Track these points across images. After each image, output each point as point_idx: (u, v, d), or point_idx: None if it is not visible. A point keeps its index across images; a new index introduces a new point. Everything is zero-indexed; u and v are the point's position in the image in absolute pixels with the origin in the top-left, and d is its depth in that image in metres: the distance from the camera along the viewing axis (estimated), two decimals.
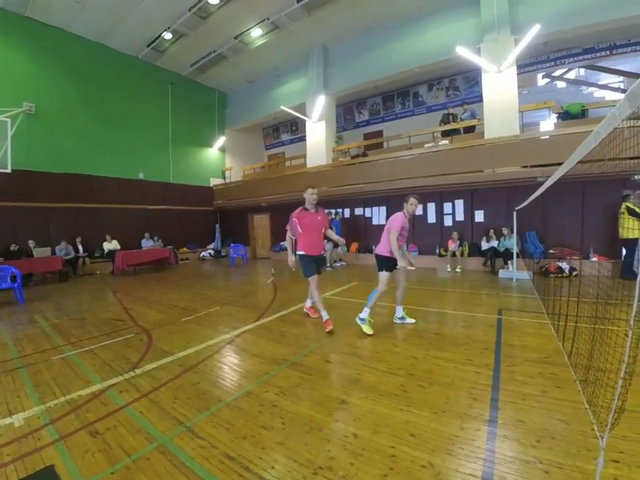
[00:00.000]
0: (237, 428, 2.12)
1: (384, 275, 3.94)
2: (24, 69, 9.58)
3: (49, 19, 9.80)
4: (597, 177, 6.74)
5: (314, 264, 4.19)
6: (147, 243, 11.23)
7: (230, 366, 3.14)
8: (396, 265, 3.89)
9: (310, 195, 4.12)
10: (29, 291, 7.24)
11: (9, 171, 7.80)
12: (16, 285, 6.30)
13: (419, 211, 9.42)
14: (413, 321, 4.22)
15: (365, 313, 3.92)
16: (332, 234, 4.68)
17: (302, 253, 4.17)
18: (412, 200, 3.96)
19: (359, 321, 3.93)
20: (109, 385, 2.77)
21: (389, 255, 3.91)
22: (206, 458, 1.85)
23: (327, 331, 3.95)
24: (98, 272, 10.10)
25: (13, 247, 8.46)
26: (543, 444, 1.86)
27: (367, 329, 3.85)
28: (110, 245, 10.60)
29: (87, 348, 3.68)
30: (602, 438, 1.59)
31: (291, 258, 4.25)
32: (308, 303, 4.79)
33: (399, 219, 3.93)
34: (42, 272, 8.74)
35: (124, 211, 11.55)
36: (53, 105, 10.12)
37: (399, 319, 4.26)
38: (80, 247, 9.96)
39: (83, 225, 10.44)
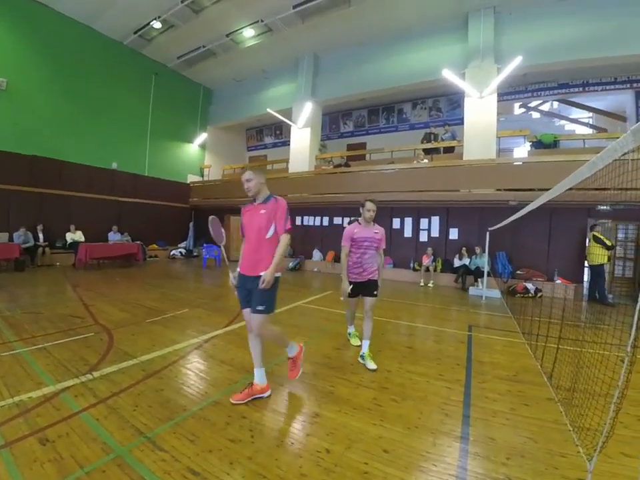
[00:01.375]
0: (203, 440, 1.99)
1: (347, 299, 3.48)
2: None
3: None
4: (564, 204, 7.17)
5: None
6: (114, 237, 10.67)
7: (197, 373, 2.98)
8: (362, 289, 3.41)
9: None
10: None
11: None
12: None
13: (396, 224, 9.59)
14: (373, 366, 3.19)
15: (349, 329, 4.02)
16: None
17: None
18: (368, 205, 3.32)
19: (348, 336, 4.01)
20: (63, 387, 2.55)
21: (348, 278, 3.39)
22: (168, 472, 1.71)
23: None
24: (58, 263, 9.45)
25: None
26: (513, 461, 1.89)
27: (353, 341, 3.89)
28: (74, 235, 9.98)
29: (40, 345, 3.39)
30: (590, 461, 1.62)
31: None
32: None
33: (346, 231, 3.39)
34: None
35: (92, 201, 10.93)
36: (27, 82, 9.52)
37: (360, 357, 3.36)
38: (41, 235, 9.30)
39: (47, 212, 9.78)
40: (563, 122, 12.43)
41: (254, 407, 2.40)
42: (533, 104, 12.25)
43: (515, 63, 8.09)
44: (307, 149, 11.95)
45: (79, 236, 10.04)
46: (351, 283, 3.36)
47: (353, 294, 3.40)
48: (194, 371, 3.02)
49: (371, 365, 3.20)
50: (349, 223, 4.02)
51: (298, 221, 11.91)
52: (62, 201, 10.21)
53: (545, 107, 12.48)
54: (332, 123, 14.33)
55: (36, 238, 9.16)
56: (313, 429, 2.17)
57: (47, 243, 9.35)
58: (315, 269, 11.03)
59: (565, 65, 8.50)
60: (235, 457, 1.86)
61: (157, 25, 10.70)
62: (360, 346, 3.49)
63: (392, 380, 2.95)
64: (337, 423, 2.24)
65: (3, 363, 2.94)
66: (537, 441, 2.10)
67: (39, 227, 9.32)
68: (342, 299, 3.08)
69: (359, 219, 3.45)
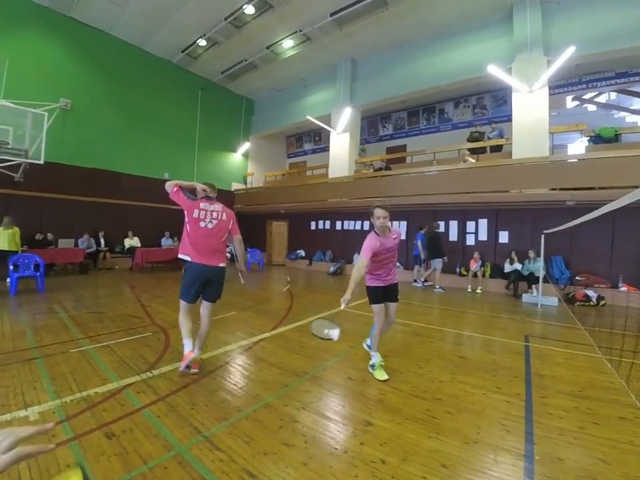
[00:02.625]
0: (257, 442, 2.02)
1: (375, 308, 3.16)
2: (63, 66, 9.99)
3: (90, 19, 10.26)
4: (629, 204, 6.49)
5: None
6: (166, 242, 11.36)
7: (248, 375, 3.05)
8: (388, 294, 3.21)
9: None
10: (49, 280, 7.37)
11: (41, 162, 8.06)
12: (38, 273, 6.42)
13: (441, 227, 9.25)
14: (385, 377, 3.00)
15: (374, 358, 3.16)
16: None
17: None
18: (376, 211, 2.93)
19: (370, 369, 3.17)
20: (126, 384, 2.72)
21: (372, 284, 3.20)
22: (226, 473, 1.75)
23: None
24: (117, 267, 10.26)
25: (38, 236, 8.69)
26: None
27: (379, 375, 3.03)
28: (131, 241, 10.77)
29: (104, 343, 3.67)
30: None
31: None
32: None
33: (368, 242, 2.99)
34: (64, 263, 8.93)
35: (147, 209, 11.77)
36: (87, 102, 10.49)
37: (370, 366, 3.19)
38: (102, 241, 10.16)
39: (107, 219, 10.68)
40: (623, 114, 11.31)
41: (305, 411, 2.40)
42: (587, 96, 11.29)
43: (567, 54, 7.49)
44: (346, 153, 11.95)
45: (135, 241, 10.82)
46: (377, 288, 3.18)
47: (380, 300, 3.16)
48: (245, 372, 3.09)
49: (384, 376, 2.99)
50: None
51: (338, 225, 11.91)
52: (120, 209, 11.10)
53: (602, 99, 11.45)
54: (371, 126, 14.22)
55: (98, 243, 10.03)
56: (365, 437, 2.12)
57: (107, 248, 10.19)
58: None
59: (622, 53, 7.70)
60: (289, 462, 1.86)
61: (202, 42, 11.33)
62: (387, 380, 2.98)
63: (444, 391, 2.81)
64: (390, 433, 2.17)
65: (72, 359, 3.19)
66: (610, 463, 1.89)
67: (101, 233, 10.18)
68: (342, 307, 2.77)
69: (375, 229, 3.05)
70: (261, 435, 2.10)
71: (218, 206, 3.28)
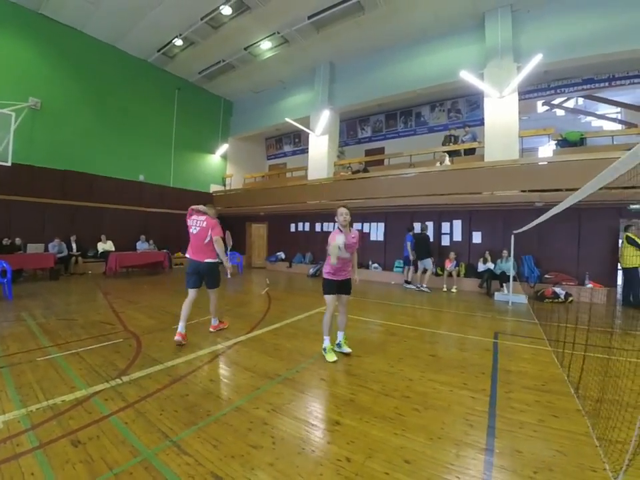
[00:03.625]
0: (226, 445, 2.04)
1: (327, 299, 3.61)
2: (32, 65, 9.61)
3: (61, 17, 9.90)
4: (593, 204, 6.85)
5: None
6: (141, 246, 11.09)
7: (220, 379, 3.05)
8: (341, 288, 3.67)
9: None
10: (18, 287, 7.06)
11: (8, 164, 7.74)
12: (5, 280, 6.15)
13: (417, 229, 9.46)
14: (349, 350, 3.72)
15: (325, 342, 3.61)
16: None
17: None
18: (341, 210, 3.57)
19: (323, 352, 3.60)
20: (94, 391, 2.67)
21: (328, 277, 3.63)
22: (192, 476, 1.76)
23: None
24: (90, 272, 9.94)
25: (5, 241, 8.31)
26: (541, 475, 1.82)
27: (329, 357, 3.50)
28: (105, 245, 10.46)
29: (73, 351, 3.57)
30: (616, 479, 1.54)
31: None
32: None
33: (333, 235, 3.51)
34: (33, 268, 8.59)
35: (121, 212, 11.44)
36: (58, 101, 10.13)
37: (336, 345, 3.78)
38: (74, 245, 9.82)
39: (79, 223, 10.32)
40: (589, 118, 11.89)
41: (275, 413, 2.43)
42: (556, 101, 11.81)
43: (535, 61, 7.85)
44: (325, 156, 12.03)
45: (109, 245, 10.52)
46: (331, 281, 3.64)
47: (333, 292, 3.63)
48: (217, 376, 3.09)
49: (347, 349, 3.70)
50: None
51: (318, 227, 11.97)
52: (93, 212, 10.74)
53: (570, 104, 11.99)
54: (349, 129, 14.37)
55: (69, 248, 9.68)
56: (333, 437, 2.17)
57: (79, 253, 9.85)
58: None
59: (588, 60, 8.14)
60: (256, 463, 1.88)
61: (178, 42, 11.15)
62: (335, 361, 3.49)
63: (414, 389, 2.90)
64: (358, 431, 2.23)
65: (39, 368, 3.10)
66: (567, 454, 2.00)
67: (73, 238, 9.84)
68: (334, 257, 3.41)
69: (338, 225, 3.62)
70: (229, 438, 2.11)
71: (202, 217, 4.28)
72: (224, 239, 4.35)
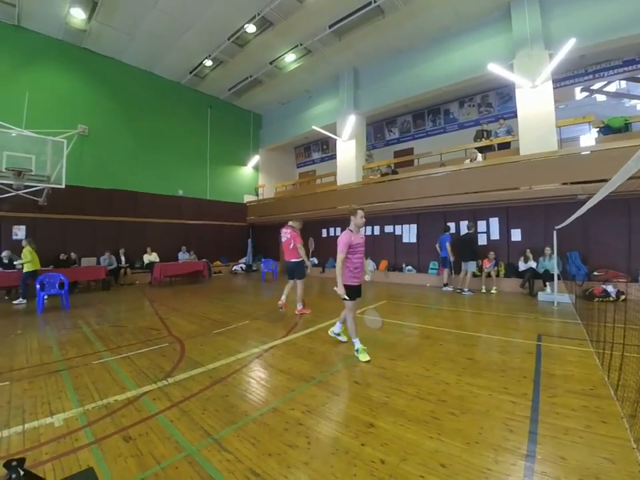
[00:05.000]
0: (263, 444, 2.13)
1: (349, 304, 3.77)
2: (78, 94, 10.62)
3: (101, 48, 10.89)
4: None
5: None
6: (183, 256, 11.73)
7: (257, 381, 3.17)
8: (359, 291, 3.88)
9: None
10: (74, 297, 7.76)
11: (63, 186, 8.54)
12: (63, 291, 6.78)
13: (452, 228, 9.21)
14: (345, 339, 4.23)
15: (357, 344, 3.73)
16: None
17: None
18: (360, 212, 3.78)
19: (355, 353, 3.72)
20: (143, 392, 2.89)
21: (350, 282, 3.73)
22: (232, 472, 1.87)
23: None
24: (137, 282, 10.67)
25: (62, 256, 9.16)
26: None
27: (362, 357, 3.63)
28: (150, 256, 11.19)
29: (124, 355, 3.87)
30: None
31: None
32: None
33: (343, 238, 3.66)
34: (87, 280, 9.37)
35: (163, 225, 12.24)
36: (102, 126, 11.07)
37: (334, 333, 4.36)
38: (122, 258, 10.61)
39: (126, 237, 11.16)
40: (634, 102, 10.96)
41: (310, 414, 2.49)
42: (596, 86, 11.02)
43: (568, 47, 7.38)
44: (353, 160, 12.08)
45: (154, 257, 11.24)
46: (353, 286, 3.75)
47: (355, 297, 3.78)
48: (255, 379, 3.21)
49: (366, 358, 3.64)
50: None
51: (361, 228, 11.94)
52: (138, 226, 11.57)
53: (612, 88, 11.14)
54: (377, 132, 14.32)
55: (119, 260, 10.47)
56: (367, 438, 2.19)
57: (128, 264, 10.63)
58: (368, 278, 10.94)
59: (627, 40, 7.50)
60: (292, 462, 1.95)
61: (208, 62, 11.79)
62: (369, 361, 3.60)
63: (450, 393, 2.84)
64: (392, 434, 2.23)
65: (94, 370, 3.40)
66: (615, 462, 1.88)
67: (121, 251, 10.64)
68: (344, 297, 3.70)
69: (350, 227, 3.80)
70: (266, 437, 2.21)
71: (288, 230, 5.92)
72: (305, 245, 5.92)
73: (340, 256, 3.64)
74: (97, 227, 10.60)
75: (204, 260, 11.79)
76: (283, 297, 5.90)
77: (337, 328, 4.35)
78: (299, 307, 5.99)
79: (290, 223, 5.98)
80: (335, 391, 2.89)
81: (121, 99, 11.61)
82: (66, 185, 8.68)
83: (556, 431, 2.22)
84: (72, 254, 9.45)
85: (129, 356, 3.83)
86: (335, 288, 3.73)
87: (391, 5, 9.00)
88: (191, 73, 12.51)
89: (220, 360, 3.66)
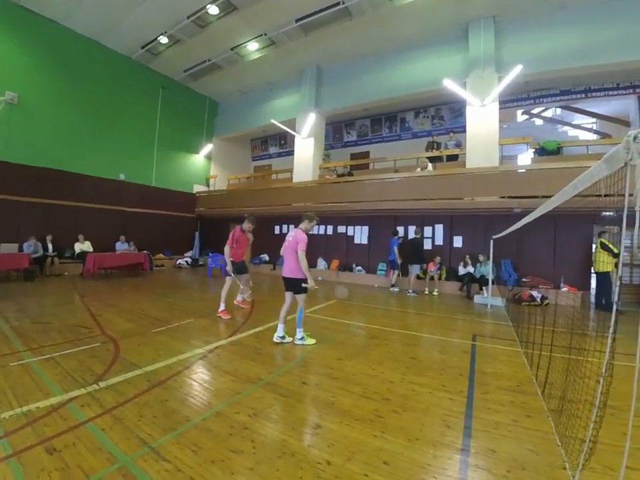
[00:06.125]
0: (206, 451, 2.02)
1: (304, 296, 4.14)
2: (11, 57, 9.29)
3: (43, 10, 9.61)
4: (567, 211, 7.13)
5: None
6: (121, 247, 10.82)
7: (201, 383, 3.02)
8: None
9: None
10: None
11: None
12: None
13: (400, 233, 9.62)
14: (291, 339, 4.24)
15: (299, 333, 4.13)
16: None
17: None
18: (315, 221, 4.29)
19: (299, 342, 4.11)
20: (70, 397, 2.60)
21: (302, 276, 4.01)
22: None
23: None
24: (66, 273, 9.61)
25: None
26: (513, 474, 1.89)
27: (309, 341, 4.14)
28: (82, 245, 10.15)
29: (48, 355, 3.46)
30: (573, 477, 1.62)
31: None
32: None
33: (304, 236, 4.05)
34: (6, 269, 8.23)
35: (100, 212, 11.14)
36: (37, 96, 9.81)
37: (279, 337, 4.20)
38: (50, 246, 9.48)
39: (56, 222, 9.98)
40: (566, 128, 12.40)
41: (256, 418, 2.43)
42: (535, 110, 12.27)
43: (515, 72, 8.16)
44: (310, 158, 12.07)
45: (87, 246, 10.21)
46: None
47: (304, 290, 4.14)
48: (198, 381, 3.06)
49: (314, 341, 4.20)
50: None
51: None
52: (70, 211, 10.42)
53: (548, 113, 12.47)
54: (335, 132, 14.48)
55: (45, 248, 9.34)
56: (314, 440, 2.19)
57: (55, 253, 9.52)
58: (320, 278, 11.04)
59: (566, 72, 8.53)
60: (236, 468, 1.88)
61: (163, 40, 11.00)
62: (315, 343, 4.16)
63: (394, 391, 2.96)
64: (338, 434, 2.26)
65: (12, 373, 2.99)
66: (539, 453, 2.09)
67: (49, 237, 9.50)
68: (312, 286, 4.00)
69: (302, 227, 4.17)
70: (209, 443, 2.10)
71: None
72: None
73: (304, 252, 3.92)
74: (22, 209, 9.35)
75: (145, 252, 10.95)
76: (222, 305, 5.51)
77: (280, 331, 4.20)
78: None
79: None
80: (283, 393, 2.85)
81: (62, 68, 10.35)
82: None
83: (487, 426, 2.41)
84: None
85: (53, 357, 3.42)
86: (304, 284, 3.99)
87: (358, 9, 9.14)
88: (143, 48, 11.55)
89: (159, 361, 3.43)
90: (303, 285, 4.01)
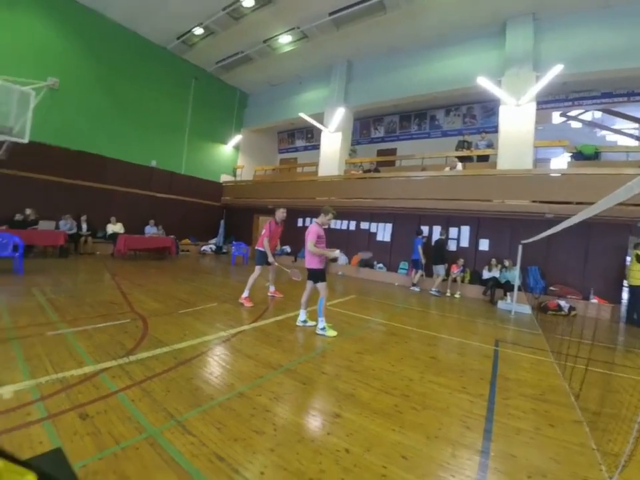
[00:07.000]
0: (229, 429, 2.09)
1: (324, 285, 4.32)
2: (52, 44, 9.76)
3: None
4: (603, 219, 6.80)
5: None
6: (150, 230, 11.21)
7: (224, 365, 3.11)
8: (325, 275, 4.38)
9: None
10: (28, 262, 7.14)
11: (26, 141, 7.81)
12: (17, 254, 6.27)
13: (424, 232, 9.47)
14: (313, 323, 4.44)
15: (321, 323, 4.25)
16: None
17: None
18: (332, 215, 4.41)
19: (320, 332, 4.22)
20: (102, 368, 2.74)
21: (321, 266, 4.32)
22: (195, 455, 1.82)
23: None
24: (98, 252, 10.08)
25: (18, 217, 8.46)
26: None
27: (330, 333, 4.22)
28: (114, 227, 10.61)
29: (82, 328, 3.65)
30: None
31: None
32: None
33: (316, 230, 4.29)
34: (44, 245, 8.72)
35: (132, 196, 11.61)
36: (76, 82, 10.26)
37: (301, 322, 4.52)
38: (84, 225, 9.96)
39: (90, 204, 10.47)
40: (604, 132, 11.76)
41: (276, 402, 2.48)
42: (573, 113, 11.69)
43: (554, 72, 7.80)
44: (336, 153, 12.05)
45: (119, 227, 10.67)
46: (323, 269, 4.36)
47: (325, 278, 4.41)
48: (221, 362, 3.15)
49: (312, 322, 4.46)
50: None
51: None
52: (104, 194, 10.90)
53: (587, 117, 11.86)
54: (363, 128, 14.36)
55: (79, 227, 9.82)
56: (333, 428, 2.22)
57: (89, 233, 10.00)
58: (340, 273, 11.07)
59: (608, 73, 8.08)
60: (257, 448, 1.94)
61: (198, 31, 11.22)
62: (336, 335, 4.24)
63: (413, 388, 2.94)
64: (357, 425, 2.28)
65: (48, 341, 3.18)
66: (560, 462, 2.04)
67: (83, 217, 9.98)
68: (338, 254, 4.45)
69: (317, 220, 4.40)
70: (232, 422, 2.17)
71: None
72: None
73: (312, 243, 4.24)
74: (60, 189, 9.87)
75: (172, 236, 11.33)
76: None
77: (302, 316, 4.52)
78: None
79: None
80: (303, 380, 2.90)
81: (100, 56, 10.79)
82: (30, 141, 7.96)
83: (508, 431, 2.37)
84: (31, 213, 8.70)
85: (86, 329, 3.61)
86: (331, 257, 4.42)
87: (393, 2, 8.98)
88: (178, 39, 11.85)
89: (185, 341, 3.55)
90: (331, 256, 4.32)
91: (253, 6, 9.73)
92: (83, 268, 7.82)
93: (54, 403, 2.17)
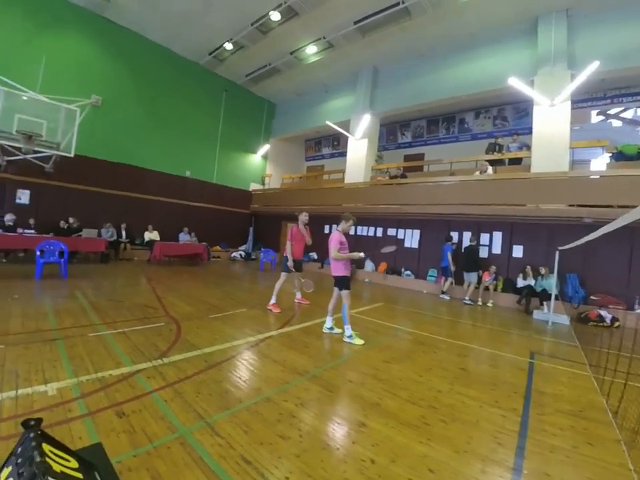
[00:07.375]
0: (255, 432, 2.14)
1: (348, 292, 4.34)
2: (95, 64, 10.56)
3: (122, 20, 10.80)
4: None
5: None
6: (184, 237, 11.72)
7: (252, 369, 3.19)
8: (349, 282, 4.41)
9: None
10: (72, 267, 7.69)
11: (72, 155, 8.49)
12: (62, 260, 6.77)
13: (455, 238, 9.22)
14: (340, 330, 4.47)
15: (348, 331, 4.25)
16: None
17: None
18: (352, 221, 4.54)
19: (347, 340, 4.22)
20: (138, 369, 2.90)
21: (346, 273, 4.36)
22: (223, 457, 1.88)
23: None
24: (136, 258, 10.67)
25: (63, 224, 9.13)
26: None
27: (357, 341, 4.20)
28: (151, 234, 11.19)
29: (120, 330, 3.88)
30: None
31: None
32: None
33: (338, 237, 4.37)
34: (86, 251, 9.34)
35: (167, 204, 12.23)
36: (115, 99, 11.01)
37: (328, 329, 4.56)
38: (123, 233, 10.59)
39: (129, 213, 11.15)
40: None
41: (302, 408, 2.51)
42: (612, 111, 10.99)
43: (590, 69, 7.39)
44: (363, 159, 12.04)
45: (155, 235, 11.24)
46: (348, 277, 4.41)
47: (350, 286, 4.42)
48: (249, 367, 3.23)
49: (338, 330, 4.51)
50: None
51: (351, 230, 11.98)
52: (142, 203, 11.56)
53: (628, 114, 11.10)
54: (389, 133, 14.27)
55: (119, 235, 10.45)
56: (358, 437, 2.21)
57: (128, 240, 10.62)
58: (367, 280, 10.98)
59: None
60: (283, 453, 1.97)
61: (228, 46, 11.70)
62: (364, 344, 4.20)
63: (441, 400, 2.87)
64: (383, 435, 2.25)
65: (90, 342, 3.40)
66: None
67: (123, 225, 10.62)
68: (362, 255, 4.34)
69: (339, 228, 4.50)
70: (259, 425, 2.22)
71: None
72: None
73: (335, 249, 4.31)
74: (101, 199, 10.58)
75: (204, 243, 11.78)
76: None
77: (328, 323, 4.57)
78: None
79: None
80: (329, 387, 2.91)
81: (137, 73, 11.54)
82: (75, 154, 8.63)
83: (543, 448, 2.25)
84: (75, 222, 9.37)
85: (124, 332, 3.83)
86: (359, 256, 4.33)
87: (419, 8, 8.93)
88: (210, 54, 12.43)
89: (215, 345, 3.68)
90: (359, 256, 4.28)
91: (280, 19, 10.02)
92: (122, 273, 8.28)
93: (93, 401, 2.31)
